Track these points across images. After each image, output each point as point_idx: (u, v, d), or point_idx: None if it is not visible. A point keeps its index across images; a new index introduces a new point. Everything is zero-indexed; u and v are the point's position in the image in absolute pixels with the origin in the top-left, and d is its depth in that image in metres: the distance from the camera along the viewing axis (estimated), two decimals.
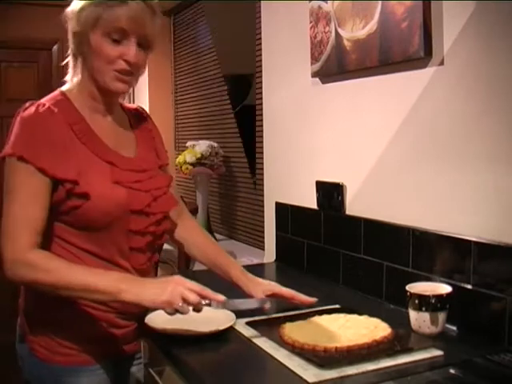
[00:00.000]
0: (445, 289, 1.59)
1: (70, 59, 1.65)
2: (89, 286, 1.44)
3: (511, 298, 1.48)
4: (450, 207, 1.69)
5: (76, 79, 1.63)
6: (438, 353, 1.45)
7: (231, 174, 3.62)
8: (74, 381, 1.59)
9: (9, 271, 1.45)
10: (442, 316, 1.56)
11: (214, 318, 1.60)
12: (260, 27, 2.77)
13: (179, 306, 1.43)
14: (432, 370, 1.37)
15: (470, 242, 1.60)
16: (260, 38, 2.76)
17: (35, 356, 1.59)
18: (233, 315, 1.66)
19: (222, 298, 1.50)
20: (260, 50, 2.77)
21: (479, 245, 1.58)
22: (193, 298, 1.44)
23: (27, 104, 1.54)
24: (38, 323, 1.60)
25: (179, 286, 1.45)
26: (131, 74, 1.58)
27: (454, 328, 1.63)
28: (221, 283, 1.83)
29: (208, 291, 1.48)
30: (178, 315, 1.46)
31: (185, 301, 1.43)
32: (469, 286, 1.60)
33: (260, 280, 1.80)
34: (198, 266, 2.66)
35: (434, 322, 1.55)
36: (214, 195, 3.85)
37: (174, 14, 4.45)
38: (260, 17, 2.78)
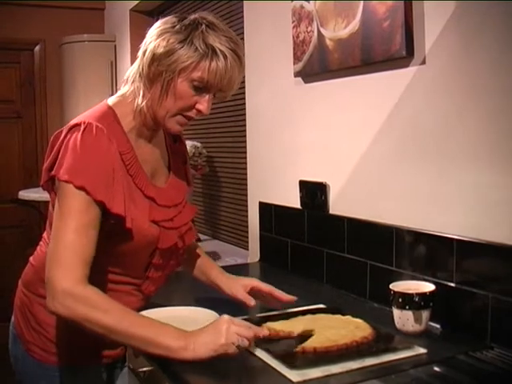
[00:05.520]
0: (428, 287, 1.59)
1: (134, 75, 1.53)
2: (148, 338, 1.37)
3: (493, 295, 1.49)
4: (433, 205, 1.70)
5: (136, 101, 1.52)
6: (422, 351, 1.46)
7: (215, 174, 3.61)
8: (69, 381, 1.60)
9: (57, 302, 1.36)
10: (425, 314, 1.57)
11: (197, 319, 1.59)
12: (243, 27, 2.77)
13: (240, 342, 1.38)
14: (416, 367, 1.38)
15: (452, 240, 1.61)
16: (243, 38, 2.76)
17: (31, 356, 1.60)
18: (216, 315, 1.65)
19: (266, 331, 1.48)
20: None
21: (461, 243, 1.58)
22: (247, 332, 1.40)
23: (81, 124, 1.43)
24: (34, 323, 1.60)
25: (231, 325, 1.39)
26: (193, 119, 1.55)
27: (438, 326, 1.64)
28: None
29: (253, 326, 1.46)
30: (160, 317, 1.47)
31: (240, 337, 1.39)
32: (452, 284, 1.61)
33: (238, 277, 1.80)
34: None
35: (417, 320, 1.56)
36: (198, 195, 3.84)
37: (158, 14, 4.44)
38: (243, 16, 2.78)
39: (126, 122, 1.54)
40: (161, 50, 1.45)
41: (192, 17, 1.51)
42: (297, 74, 2.28)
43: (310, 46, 2.16)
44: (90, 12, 5.14)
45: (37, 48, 5.05)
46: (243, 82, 2.75)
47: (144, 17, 4.42)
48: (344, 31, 1.97)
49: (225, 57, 1.46)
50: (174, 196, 1.65)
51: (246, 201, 2.82)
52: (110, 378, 1.72)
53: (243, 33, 2.75)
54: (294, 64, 2.28)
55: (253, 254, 2.72)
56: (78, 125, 1.44)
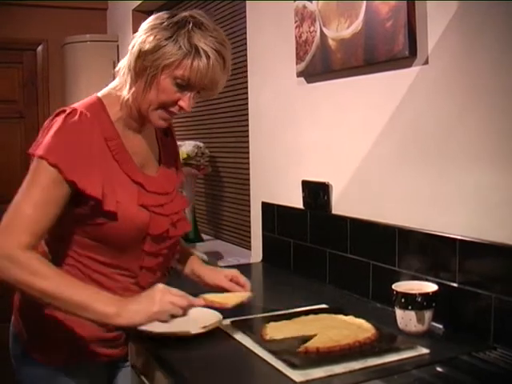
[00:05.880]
0: (431, 287, 1.59)
1: (124, 68, 1.56)
2: (84, 304, 1.40)
3: (496, 296, 1.49)
4: (435, 206, 1.70)
5: (123, 93, 1.56)
6: (425, 351, 1.46)
7: (217, 174, 3.61)
8: (69, 380, 1.60)
9: None
10: (428, 314, 1.56)
11: (200, 318, 1.59)
12: (245, 27, 2.77)
13: (173, 311, 1.44)
14: (418, 368, 1.38)
15: (455, 240, 1.61)
16: (245, 38, 2.76)
17: (30, 356, 1.60)
18: (219, 315, 1.65)
19: (202, 302, 1.54)
20: (245, 49, 2.77)
21: (464, 243, 1.58)
22: (181, 302, 1.46)
23: (67, 109, 1.49)
24: (33, 323, 1.60)
25: (165, 294, 1.45)
26: (176, 114, 1.57)
27: (441, 326, 1.63)
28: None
29: (188, 296, 1.50)
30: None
31: (174, 306, 1.44)
32: (455, 284, 1.61)
33: (219, 268, 1.86)
34: None
35: (420, 320, 1.56)
36: (200, 195, 3.84)
37: None
38: (245, 17, 2.78)
39: (114, 111, 1.57)
40: (147, 45, 1.49)
41: (182, 14, 1.53)
42: (299, 74, 2.28)
43: (313, 46, 2.16)
44: (92, 12, 5.14)
45: (39, 48, 5.05)
46: (246, 81, 2.75)
47: (146, 17, 4.34)
48: (347, 31, 1.97)
49: (207, 57, 1.48)
50: (164, 184, 1.67)
51: (249, 201, 2.82)
52: (112, 376, 1.73)
53: (246, 33, 2.76)
54: (297, 64, 2.27)
55: (255, 254, 2.72)
56: (63, 110, 1.50)
